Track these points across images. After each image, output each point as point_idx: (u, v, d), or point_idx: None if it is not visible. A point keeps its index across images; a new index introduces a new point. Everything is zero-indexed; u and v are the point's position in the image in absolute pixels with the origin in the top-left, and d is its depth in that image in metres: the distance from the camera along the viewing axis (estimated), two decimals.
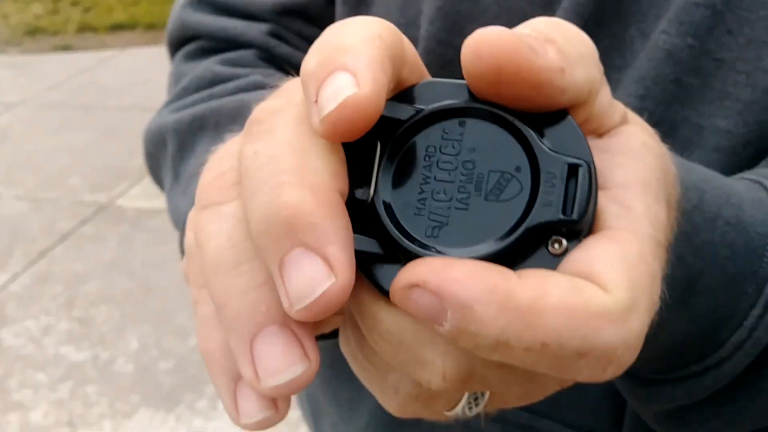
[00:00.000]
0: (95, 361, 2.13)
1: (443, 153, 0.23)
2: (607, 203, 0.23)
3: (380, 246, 0.23)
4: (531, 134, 0.22)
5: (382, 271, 0.23)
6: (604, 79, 0.25)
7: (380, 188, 0.23)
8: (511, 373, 0.23)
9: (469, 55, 0.22)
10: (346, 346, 0.27)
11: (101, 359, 2.14)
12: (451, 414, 0.26)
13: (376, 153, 0.24)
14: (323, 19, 0.55)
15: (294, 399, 0.58)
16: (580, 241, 0.22)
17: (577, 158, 0.22)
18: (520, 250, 0.22)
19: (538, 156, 0.22)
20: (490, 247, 0.22)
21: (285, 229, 0.21)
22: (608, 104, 0.25)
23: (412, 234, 0.23)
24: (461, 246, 0.22)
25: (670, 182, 0.26)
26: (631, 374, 0.35)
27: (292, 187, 0.21)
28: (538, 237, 0.22)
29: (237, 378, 0.24)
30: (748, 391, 0.32)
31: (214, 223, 0.24)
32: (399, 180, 0.23)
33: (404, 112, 0.24)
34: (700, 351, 0.32)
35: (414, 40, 0.45)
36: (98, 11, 5.40)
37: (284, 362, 0.22)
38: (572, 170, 0.22)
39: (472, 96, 0.23)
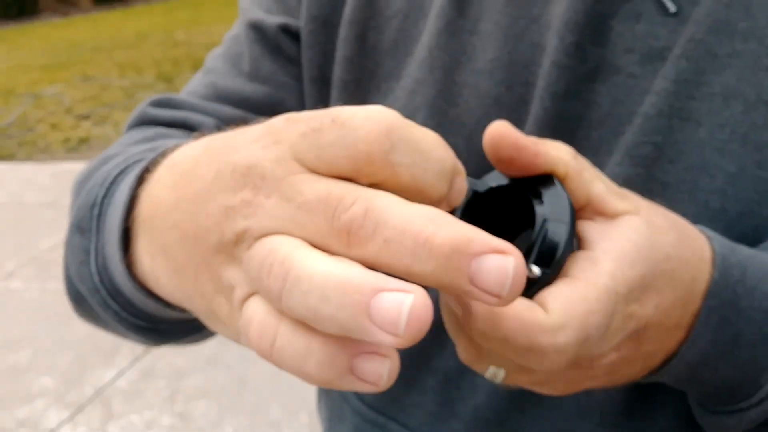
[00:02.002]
0: None
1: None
2: (583, 259, 0.34)
3: None
4: (537, 204, 0.34)
5: None
6: (593, 172, 0.36)
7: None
8: (502, 359, 0.35)
9: (486, 147, 0.35)
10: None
11: None
12: (486, 376, 0.37)
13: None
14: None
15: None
16: (549, 270, 0.33)
17: (561, 221, 0.34)
18: None
19: (537, 218, 0.34)
20: None
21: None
22: (608, 192, 0.36)
23: None
24: None
25: (669, 260, 0.36)
26: (701, 405, 0.45)
27: None
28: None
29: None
30: None
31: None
32: None
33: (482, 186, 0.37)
34: (746, 392, 0.41)
35: None
36: None
37: None
38: (555, 228, 0.34)
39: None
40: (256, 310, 0.27)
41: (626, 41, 0.47)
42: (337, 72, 0.57)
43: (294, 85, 0.61)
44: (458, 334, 0.36)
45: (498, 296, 0.25)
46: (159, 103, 0.63)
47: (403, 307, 0.23)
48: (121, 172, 0.47)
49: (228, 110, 0.61)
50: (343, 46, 0.57)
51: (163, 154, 0.38)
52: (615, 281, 0.33)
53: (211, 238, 0.30)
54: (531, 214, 0.36)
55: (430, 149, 0.27)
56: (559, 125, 0.48)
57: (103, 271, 0.45)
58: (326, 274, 0.24)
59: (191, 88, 0.64)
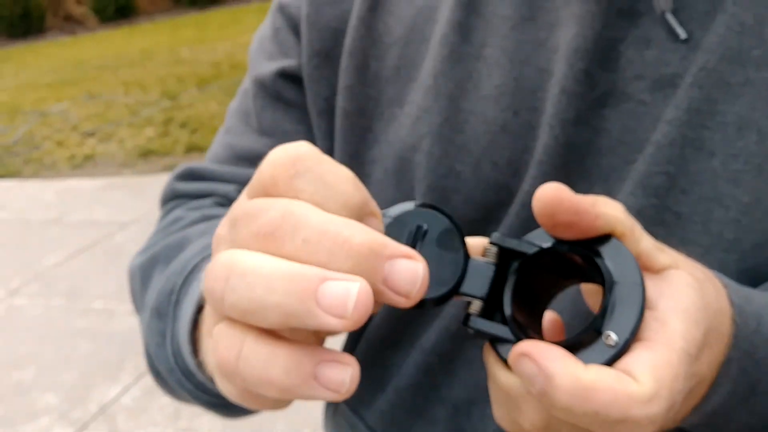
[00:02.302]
0: None
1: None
2: (651, 320, 0.33)
3: (508, 332, 0.34)
4: (605, 266, 0.33)
5: (504, 347, 0.33)
6: (641, 229, 0.35)
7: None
8: (576, 430, 0.33)
9: (535, 207, 0.33)
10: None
11: None
12: None
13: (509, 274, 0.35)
14: None
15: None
16: (629, 336, 0.32)
17: (635, 282, 0.33)
18: (588, 339, 0.32)
19: (606, 281, 0.33)
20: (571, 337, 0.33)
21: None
22: (654, 248, 0.35)
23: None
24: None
25: (716, 315, 0.36)
26: None
27: None
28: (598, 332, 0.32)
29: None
30: None
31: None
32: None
33: (528, 247, 0.34)
34: None
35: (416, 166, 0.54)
36: (204, 132, 5.79)
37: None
38: (630, 289, 0.33)
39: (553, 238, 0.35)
40: (221, 328, 0.30)
41: (636, 67, 0.47)
42: (340, 102, 0.58)
43: (299, 129, 0.63)
44: (523, 407, 0.34)
45: (406, 296, 0.28)
46: (183, 177, 0.67)
47: (351, 293, 0.26)
48: (202, 261, 0.52)
49: (246, 171, 0.64)
50: (345, 75, 0.58)
51: None
52: (687, 342, 0.33)
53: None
54: (578, 271, 0.36)
55: (335, 182, 0.29)
56: (569, 152, 0.48)
57: (177, 354, 0.49)
58: (273, 267, 0.27)
59: (214, 150, 0.68)
